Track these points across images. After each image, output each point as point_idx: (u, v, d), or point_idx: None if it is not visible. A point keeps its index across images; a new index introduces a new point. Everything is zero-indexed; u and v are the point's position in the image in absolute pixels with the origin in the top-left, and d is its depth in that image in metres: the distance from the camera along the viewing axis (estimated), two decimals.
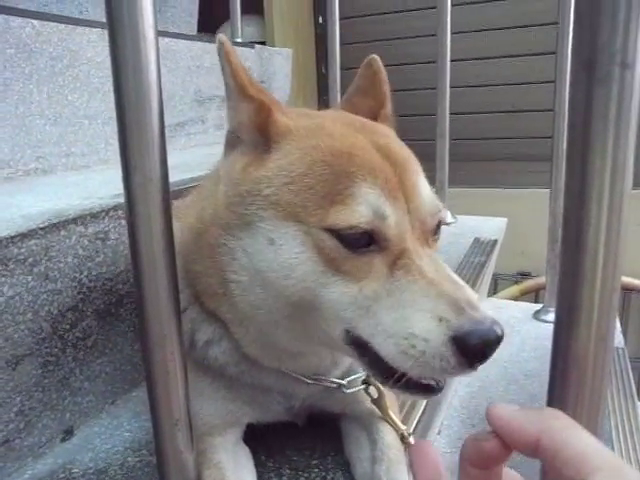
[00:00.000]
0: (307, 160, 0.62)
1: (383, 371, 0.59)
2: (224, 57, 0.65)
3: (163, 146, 0.56)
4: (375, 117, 0.81)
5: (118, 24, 0.52)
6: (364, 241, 0.58)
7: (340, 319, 0.60)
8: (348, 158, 0.61)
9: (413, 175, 0.65)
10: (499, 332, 0.53)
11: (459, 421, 1.38)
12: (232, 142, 0.70)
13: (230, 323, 0.72)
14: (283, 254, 0.60)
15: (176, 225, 0.72)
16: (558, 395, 0.47)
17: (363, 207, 0.58)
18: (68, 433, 0.88)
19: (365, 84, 0.84)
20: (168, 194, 0.56)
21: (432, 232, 0.65)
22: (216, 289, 0.70)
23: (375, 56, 0.84)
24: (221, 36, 0.65)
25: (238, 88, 0.65)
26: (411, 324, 0.54)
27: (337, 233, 0.58)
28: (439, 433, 1.36)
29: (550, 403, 0.47)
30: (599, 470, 0.32)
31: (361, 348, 0.60)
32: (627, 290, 2.93)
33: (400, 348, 0.55)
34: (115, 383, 0.97)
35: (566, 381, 0.46)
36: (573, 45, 0.39)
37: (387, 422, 0.79)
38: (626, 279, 2.89)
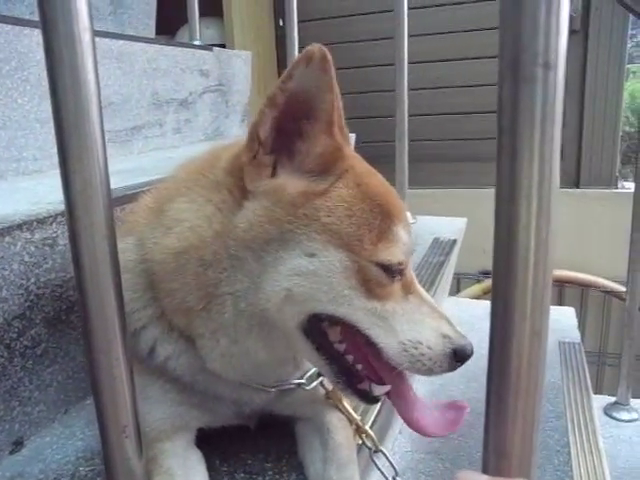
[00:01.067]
0: (363, 197, 0.69)
1: (340, 370, 0.72)
2: (329, 80, 0.64)
3: (103, 150, 0.55)
4: None
5: (52, 26, 0.51)
6: (397, 272, 0.70)
7: (356, 323, 0.69)
8: (387, 200, 0.71)
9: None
10: (472, 347, 0.70)
11: None
12: (266, 161, 0.68)
13: (199, 338, 0.72)
14: (320, 266, 0.66)
15: (130, 241, 0.71)
16: (496, 389, 0.47)
17: (402, 245, 0.70)
18: (17, 444, 0.86)
19: None
20: (110, 199, 0.55)
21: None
22: (193, 304, 0.70)
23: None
24: (325, 52, 0.62)
25: (329, 123, 0.67)
26: (420, 336, 0.69)
27: (385, 266, 0.68)
28: (400, 432, 1.37)
29: (488, 398, 0.48)
30: None
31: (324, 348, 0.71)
32: (585, 286, 3.00)
33: (404, 347, 0.68)
34: (68, 392, 0.95)
35: (503, 377, 0.47)
36: (499, 46, 0.40)
37: (342, 412, 0.83)
38: (584, 276, 2.96)
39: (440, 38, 3.10)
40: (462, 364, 0.70)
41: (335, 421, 0.81)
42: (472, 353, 0.70)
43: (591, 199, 3.00)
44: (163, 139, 1.79)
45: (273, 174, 0.69)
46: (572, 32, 2.86)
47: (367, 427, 0.83)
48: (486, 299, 2.75)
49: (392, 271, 0.68)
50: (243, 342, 0.71)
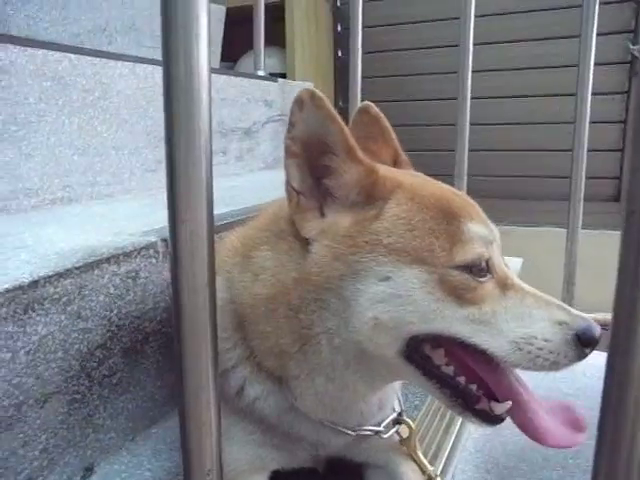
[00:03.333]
0: (420, 207, 0.68)
1: (454, 391, 0.69)
2: (327, 115, 0.65)
3: (210, 199, 0.56)
4: (395, 163, 0.88)
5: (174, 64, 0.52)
6: (485, 270, 0.67)
7: (455, 334, 0.66)
8: (448, 202, 0.70)
9: (480, 210, 0.74)
10: (599, 328, 0.66)
11: (473, 465, 1.36)
12: (306, 204, 0.70)
13: (293, 379, 0.73)
14: (398, 287, 0.65)
15: (219, 280, 0.73)
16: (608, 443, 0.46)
17: (478, 241, 0.67)
18: (88, 470, 0.88)
19: (371, 131, 0.88)
20: (213, 249, 0.57)
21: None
22: (287, 348, 0.71)
23: (370, 103, 0.90)
24: (314, 91, 0.65)
25: (347, 151, 0.68)
26: (532, 330, 0.65)
27: (466, 268, 0.66)
28: (453, 478, 1.34)
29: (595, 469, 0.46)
30: None
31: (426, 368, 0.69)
32: None
33: (517, 346, 0.64)
34: (136, 420, 0.96)
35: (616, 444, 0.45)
36: (632, 133, 0.39)
37: (414, 461, 0.82)
38: None
39: (501, 74, 3.09)
40: (592, 349, 0.65)
41: (410, 472, 0.80)
42: (599, 335, 0.65)
43: None
44: (226, 166, 1.83)
45: (322, 216, 0.70)
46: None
47: (437, 478, 0.82)
48: None
49: (477, 270, 0.66)
50: (340, 378, 0.71)
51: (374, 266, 0.66)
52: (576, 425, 0.68)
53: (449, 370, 0.70)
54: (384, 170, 0.73)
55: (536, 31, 2.97)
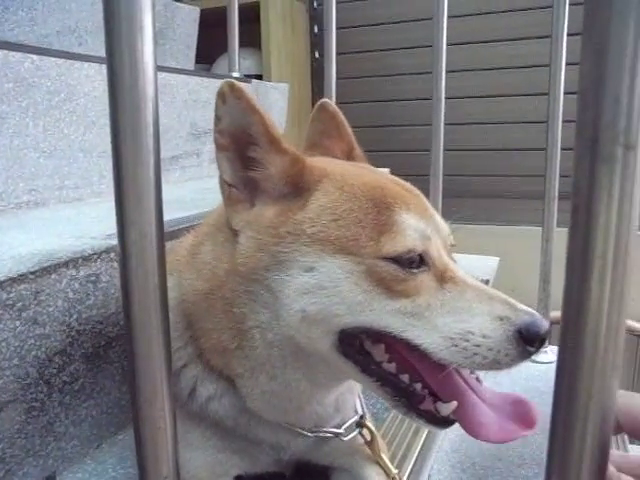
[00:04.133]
0: (349, 197, 0.66)
1: (396, 390, 0.66)
2: (246, 105, 0.65)
3: (159, 199, 0.55)
4: (348, 157, 0.88)
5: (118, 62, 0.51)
6: (417, 262, 0.64)
7: (386, 328, 0.63)
8: (381, 191, 0.67)
9: (426, 202, 0.73)
10: (547, 324, 0.62)
11: (449, 466, 1.36)
12: (238, 196, 0.70)
13: (239, 377, 0.71)
14: (323, 277, 0.63)
15: (171, 280, 0.71)
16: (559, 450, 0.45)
17: (411, 231, 0.65)
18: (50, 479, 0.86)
19: (327, 127, 0.89)
20: (163, 250, 0.55)
21: (450, 252, 0.71)
22: (227, 344, 0.70)
23: (327, 100, 0.90)
24: (233, 82, 0.64)
25: (270, 141, 0.67)
26: (469, 325, 0.61)
27: (395, 259, 0.63)
28: (429, 478, 1.33)
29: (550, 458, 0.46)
30: None
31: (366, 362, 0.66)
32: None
33: (452, 342, 0.61)
34: (101, 427, 0.94)
35: (567, 436, 0.44)
36: (577, 124, 0.39)
37: (378, 465, 0.80)
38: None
39: (475, 74, 3.11)
40: (538, 347, 0.61)
41: (374, 475, 0.79)
42: (545, 331, 0.60)
43: None
44: (199, 169, 1.81)
45: (252, 208, 0.70)
46: None
47: None
48: None
49: (407, 262, 0.63)
50: (282, 375, 0.70)
51: (298, 256, 0.64)
52: (524, 419, 0.64)
53: (391, 367, 0.67)
54: (313, 160, 0.72)
55: (509, 31, 2.99)
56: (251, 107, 0.65)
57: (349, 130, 0.89)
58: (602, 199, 0.39)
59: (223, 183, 0.70)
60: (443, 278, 0.65)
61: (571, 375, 0.43)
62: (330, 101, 0.89)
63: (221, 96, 0.64)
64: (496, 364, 0.60)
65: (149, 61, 0.51)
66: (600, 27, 0.37)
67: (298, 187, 0.68)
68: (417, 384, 0.66)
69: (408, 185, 0.75)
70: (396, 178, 0.76)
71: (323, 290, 0.63)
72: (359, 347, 0.67)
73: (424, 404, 0.66)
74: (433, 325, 0.62)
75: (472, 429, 0.63)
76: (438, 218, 0.71)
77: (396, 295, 0.63)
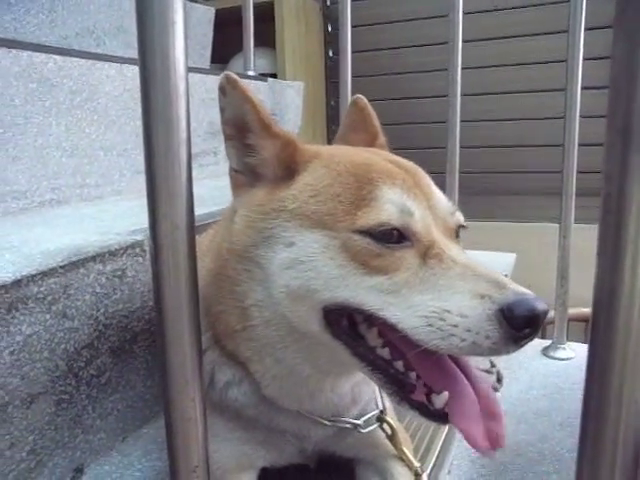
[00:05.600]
0: (332, 174, 0.67)
1: (388, 377, 0.64)
2: (241, 95, 0.67)
3: (190, 194, 0.56)
4: (369, 146, 0.88)
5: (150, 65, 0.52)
6: (395, 237, 0.62)
7: (362, 305, 0.61)
8: (367, 167, 0.67)
9: (425, 179, 0.72)
10: (544, 305, 0.55)
11: (469, 461, 1.36)
12: (242, 181, 0.73)
13: (249, 362, 0.73)
14: (300, 252, 0.64)
15: None
16: (591, 443, 0.45)
17: (389, 205, 0.63)
18: (78, 472, 0.87)
19: (354, 121, 0.91)
20: (194, 241, 0.56)
21: (455, 233, 0.70)
22: (235, 326, 0.71)
23: (360, 95, 0.92)
24: (229, 74, 0.67)
25: (262, 127, 0.69)
26: (447, 303, 0.57)
27: (368, 233, 0.61)
28: (449, 473, 1.34)
29: (581, 451, 0.46)
30: None
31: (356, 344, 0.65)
32: None
33: (427, 321, 0.57)
34: (126, 420, 0.96)
35: (600, 428, 0.44)
36: (608, 113, 0.39)
37: (401, 459, 0.81)
38: None
39: (492, 71, 3.09)
40: (530, 333, 0.54)
41: (398, 467, 0.80)
42: (539, 312, 0.54)
43: None
44: (216, 167, 1.82)
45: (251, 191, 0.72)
46: None
47: (425, 475, 0.81)
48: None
49: (381, 235, 0.61)
50: (284, 360, 0.71)
51: (280, 232, 0.66)
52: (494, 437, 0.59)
53: (384, 353, 0.64)
54: (309, 145, 0.75)
55: (524, 27, 2.97)
56: (245, 96, 0.67)
57: (376, 122, 0.91)
58: (634, 187, 0.39)
59: (231, 170, 0.73)
60: (427, 254, 0.62)
61: (602, 370, 0.43)
62: (362, 97, 0.91)
63: (222, 89, 0.68)
64: (477, 347, 0.55)
65: (180, 57, 0.52)
66: (632, 16, 0.37)
67: (290, 169, 0.70)
68: (412, 372, 0.63)
69: (409, 164, 0.73)
70: (400, 158, 0.75)
71: (302, 265, 0.64)
72: (347, 328, 0.65)
73: (415, 394, 0.62)
74: (409, 303, 0.59)
75: (462, 429, 0.59)
76: (437, 196, 0.69)
77: (373, 271, 0.61)
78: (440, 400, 0.61)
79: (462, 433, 0.59)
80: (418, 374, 0.63)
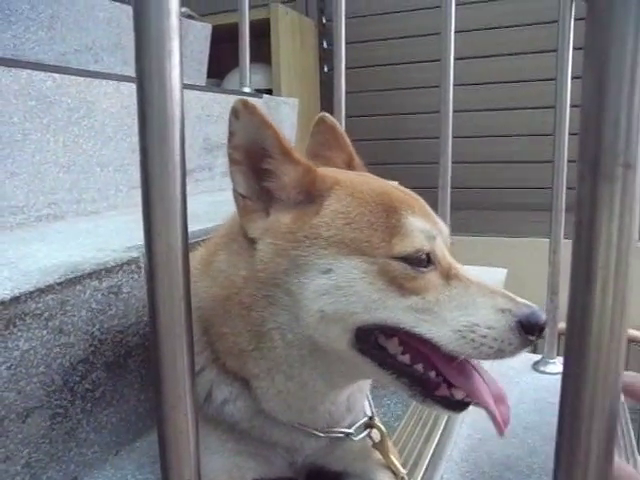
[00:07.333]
0: (360, 202, 0.71)
1: (412, 379, 0.70)
2: (260, 120, 0.68)
3: (185, 215, 0.58)
4: (349, 167, 0.92)
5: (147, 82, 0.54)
6: (424, 262, 0.69)
7: (399, 324, 0.67)
8: (389, 197, 0.72)
9: (427, 206, 0.78)
10: (544, 315, 0.67)
11: (459, 475, 1.37)
12: (252, 207, 0.73)
13: (254, 378, 0.75)
14: (339, 278, 0.67)
15: None
16: (566, 452, 0.47)
17: (418, 233, 0.69)
18: None
19: (327, 139, 0.93)
20: (188, 260, 0.58)
21: (450, 252, 0.75)
22: (244, 346, 0.73)
23: (326, 113, 0.95)
24: (246, 99, 0.67)
25: (284, 153, 0.71)
26: (475, 318, 0.66)
27: (405, 258, 0.67)
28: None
29: (557, 463, 0.48)
30: None
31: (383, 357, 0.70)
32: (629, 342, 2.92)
33: (460, 335, 0.65)
34: (120, 434, 0.97)
35: (575, 439, 0.46)
36: (579, 145, 0.41)
37: (390, 470, 0.83)
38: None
39: (483, 88, 3.14)
40: (537, 336, 0.66)
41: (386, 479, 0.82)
42: (544, 321, 0.66)
43: None
44: (212, 182, 1.85)
45: (267, 217, 0.73)
46: None
47: None
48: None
49: (417, 261, 0.68)
50: (299, 375, 0.73)
51: (315, 259, 0.68)
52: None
53: (405, 359, 0.70)
54: (323, 170, 0.77)
55: (515, 45, 3.03)
56: (265, 122, 0.68)
57: (348, 141, 0.94)
58: (604, 215, 0.41)
59: (237, 195, 0.73)
60: (449, 275, 0.70)
61: (576, 381, 0.46)
62: (328, 114, 0.94)
63: (235, 113, 0.67)
64: (501, 353, 0.65)
65: (176, 84, 0.55)
66: (600, 54, 0.40)
67: (311, 195, 0.72)
68: (431, 372, 0.70)
69: (408, 190, 0.79)
70: (396, 184, 0.80)
71: (340, 290, 0.67)
72: (374, 343, 0.70)
73: (439, 390, 0.70)
74: (442, 319, 0.66)
75: (485, 406, 0.68)
76: (439, 220, 0.76)
77: (407, 293, 0.67)
78: (459, 392, 0.70)
79: (489, 412, 0.68)
80: (438, 373, 0.70)
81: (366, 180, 0.77)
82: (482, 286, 0.69)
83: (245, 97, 0.69)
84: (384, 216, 0.69)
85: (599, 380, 0.44)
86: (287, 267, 0.69)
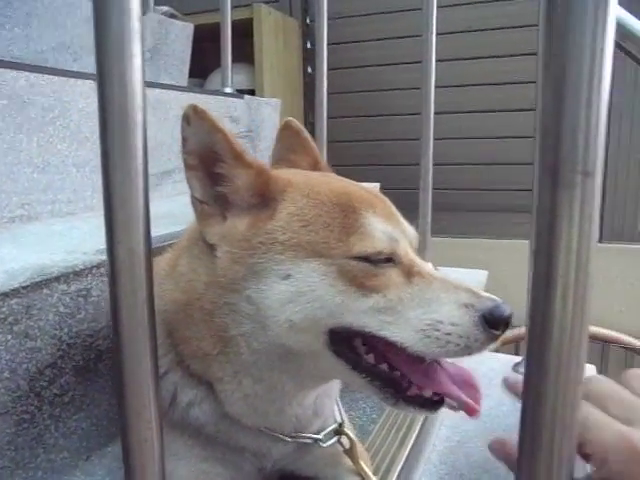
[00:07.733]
0: (316, 203, 0.69)
1: (385, 381, 0.69)
2: (210, 125, 0.67)
3: (147, 218, 0.57)
4: (314, 169, 0.91)
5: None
6: (384, 261, 0.68)
7: (364, 327, 0.66)
8: (348, 196, 0.71)
9: (392, 206, 0.77)
10: (509, 308, 0.65)
11: (437, 478, 1.37)
12: (209, 211, 0.72)
13: (219, 382, 0.73)
14: (300, 283, 0.66)
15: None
16: (529, 449, 0.47)
17: (379, 234, 0.68)
18: None
19: (292, 144, 0.93)
20: (151, 265, 0.57)
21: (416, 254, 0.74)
22: (209, 350, 0.72)
23: (291, 118, 0.95)
24: (196, 105, 0.66)
25: (235, 156, 0.70)
26: (438, 315, 0.64)
27: (365, 258, 0.66)
28: None
29: (520, 460, 0.47)
30: None
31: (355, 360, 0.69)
32: (606, 342, 2.95)
33: (424, 334, 0.63)
34: (90, 438, 0.96)
35: (537, 435, 0.46)
36: (538, 153, 0.41)
37: (360, 476, 0.82)
38: (606, 331, 2.92)
39: (465, 90, 3.16)
40: (502, 330, 0.64)
41: None
42: (508, 314, 0.64)
43: (613, 254, 2.98)
44: None
45: (224, 221, 0.72)
46: None
47: None
48: (503, 351, 2.70)
49: (376, 260, 0.67)
50: (269, 378, 0.72)
51: (273, 265, 0.67)
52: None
53: (370, 358, 0.69)
54: (278, 172, 0.76)
55: (497, 48, 3.05)
56: (215, 127, 0.67)
57: (314, 145, 0.94)
58: (563, 223, 0.41)
59: (195, 200, 0.72)
60: (411, 273, 0.68)
61: (537, 386, 0.46)
62: (294, 119, 0.94)
63: (186, 118, 0.67)
64: (468, 349, 0.63)
65: (138, 88, 0.54)
66: (557, 62, 0.39)
67: (265, 197, 0.71)
68: (396, 372, 0.69)
69: (375, 191, 0.78)
70: (363, 185, 0.79)
71: (303, 297, 0.66)
72: (348, 344, 0.69)
73: (411, 390, 0.69)
74: (405, 319, 0.65)
75: (451, 396, 0.68)
76: (404, 222, 0.76)
77: (368, 291, 0.66)
78: (427, 390, 0.69)
79: (455, 399, 0.68)
80: (402, 373, 0.69)
81: (327, 181, 0.76)
82: (445, 282, 0.67)
83: (195, 103, 0.68)
84: (341, 216, 0.68)
85: (560, 385, 0.44)
86: (245, 274, 0.68)
